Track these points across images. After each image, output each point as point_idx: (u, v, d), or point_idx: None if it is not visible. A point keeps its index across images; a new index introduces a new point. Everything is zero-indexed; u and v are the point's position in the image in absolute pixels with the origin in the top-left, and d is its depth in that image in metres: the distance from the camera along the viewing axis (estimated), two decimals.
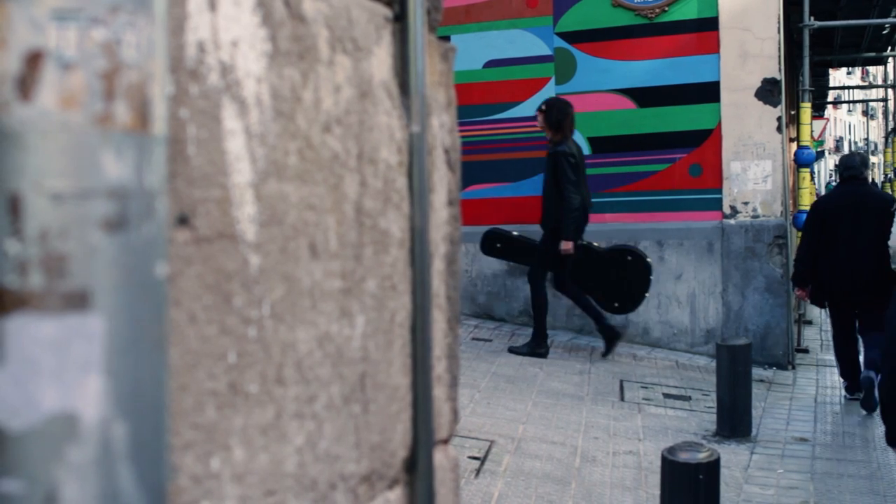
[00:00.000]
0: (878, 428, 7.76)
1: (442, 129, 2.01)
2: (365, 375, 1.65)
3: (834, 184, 14.60)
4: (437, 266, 1.96)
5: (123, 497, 0.82)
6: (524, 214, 10.58)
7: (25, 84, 0.78)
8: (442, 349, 1.98)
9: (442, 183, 2.01)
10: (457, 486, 2.07)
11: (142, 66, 0.84)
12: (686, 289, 10.14)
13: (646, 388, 8.60)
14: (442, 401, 1.98)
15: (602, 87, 10.37)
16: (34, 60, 0.78)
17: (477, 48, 10.57)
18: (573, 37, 10.42)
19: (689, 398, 8.41)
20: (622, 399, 8.17)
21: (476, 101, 10.55)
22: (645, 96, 10.25)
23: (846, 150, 56.63)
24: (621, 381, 8.72)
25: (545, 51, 10.54)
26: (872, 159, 16.28)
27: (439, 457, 1.94)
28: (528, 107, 10.57)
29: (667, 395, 8.41)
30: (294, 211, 1.43)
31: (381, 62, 1.72)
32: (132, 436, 0.83)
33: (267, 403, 1.37)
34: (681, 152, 10.14)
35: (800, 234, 10.43)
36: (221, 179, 1.26)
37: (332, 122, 1.55)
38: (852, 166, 8.88)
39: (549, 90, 10.53)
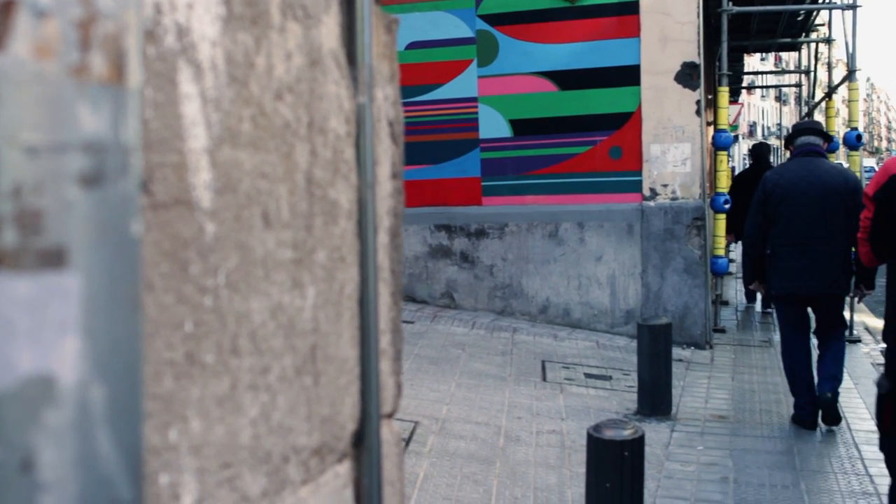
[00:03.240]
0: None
1: (386, 101, 1.99)
2: (316, 347, 1.63)
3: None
4: (382, 239, 1.94)
5: (101, 461, 0.80)
6: (446, 196, 10.59)
7: None
8: (386, 323, 1.97)
9: (386, 155, 1.99)
10: (401, 460, 2.06)
11: (118, 16, 0.81)
12: (606, 270, 10.22)
13: (567, 368, 8.67)
14: (387, 375, 1.97)
15: (524, 70, 10.39)
16: (7, 8, 0.75)
17: (399, 30, 10.52)
18: (495, 19, 10.42)
19: (609, 378, 8.49)
20: (544, 379, 8.22)
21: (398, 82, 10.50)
22: (566, 79, 10.29)
23: (759, 135, 57.64)
24: (543, 362, 8.77)
25: (467, 33, 10.53)
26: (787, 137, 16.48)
27: (384, 431, 1.92)
28: (450, 89, 10.58)
29: (588, 375, 8.48)
30: (248, 179, 1.41)
31: (329, 31, 1.70)
32: (109, 398, 0.81)
33: (223, 374, 1.34)
34: (601, 135, 10.20)
35: (717, 216, 10.57)
36: (178, 144, 1.23)
37: (284, 89, 1.52)
38: (809, 132, 7.68)
39: (472, 72, 10.53)
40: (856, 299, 8.19)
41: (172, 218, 1.21)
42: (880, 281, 5.73)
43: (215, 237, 1.32)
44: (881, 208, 4.77)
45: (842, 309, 7.46)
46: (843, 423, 7.31)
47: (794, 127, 8.23)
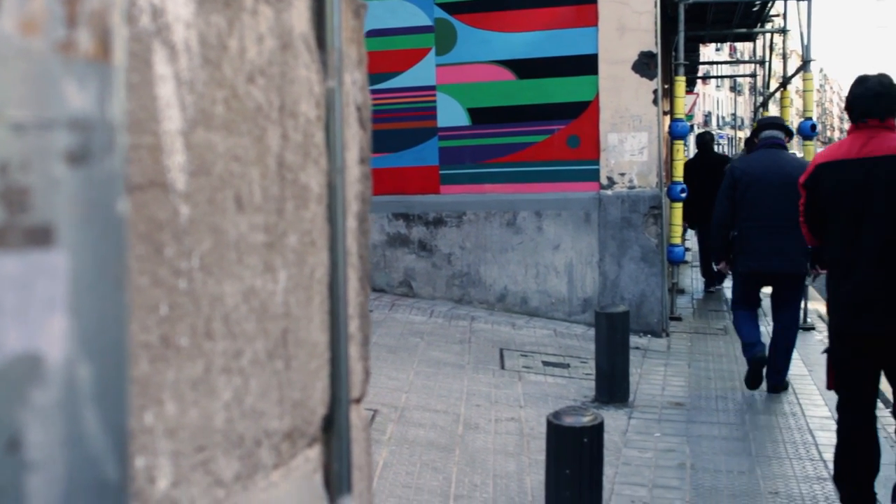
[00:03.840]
0: (749, 392, 7.99)
1: (354, 85, 1.99)
2: (287, 331, 1.63)
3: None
4: (350, 224, 1.94)
5: (88, 440, 0.79)
6: (404, 185, 10.59)
7: None
8: (354, 308, 1.97)
9: (354, 140, 1.98)
10: (369, 445, 2.06)
11: None
12: (564, 259, 10.27)
13: (525, 356, 8.70)
14: (355, 360, 1.97)
15: (482, 59, 10.41)
16: None
17: None
18: (453, 7, 10.42)
19: (567, 365, 8.53)
20: (502, 367, 8.25)
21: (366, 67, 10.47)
22: (524, 68, 10.31)
23: (714, 125, 58.07)
24: (501, 350, 8.80)
25: (426, 21, 10.52)
26: (739, 134, 16.69)
27: (353, 416, 1.92)
28: (409, 77, 10.57)
29: (546, 363, 8.52)
30: (221, 161, 1.40)
31: (300, 14, 1.69)
32: (96, 377, 0.80)
33: (197, 357, 1.34)
34: (559, 124, 10.24)
35: (674, 204, 10.66)
36: (153, 126, 1.22)
37: (256, 72, 1.52)
38: (773, 127, 8.48)
39: (430, 61, 10.53)
40: (810, 278, 8.96)
41: (148, 200, 1.21)
42: None
43: (190, 220, 1.31)
44: (810, 195, 5.31)
45: (800, 287, 8.20)
46: (798, 410, 7.41)
47: (760, 122, 9.15)
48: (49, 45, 0.77)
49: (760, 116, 17.56)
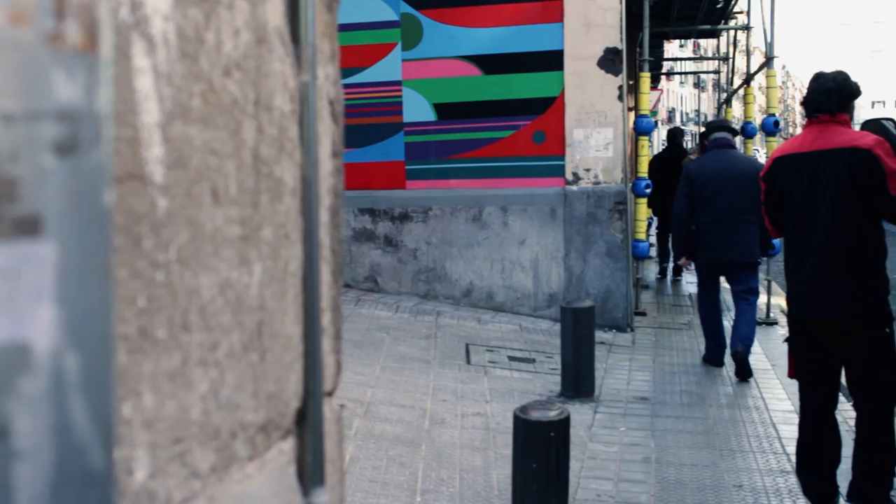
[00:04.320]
0: (714, 386, 8.07)
1: (327, 80, 1.99)
2: (262, 324, 1.63)
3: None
4: (323, 218, 1.94)
5: (75, 429, 0.80)
6: (369, 180, 10.58)
7: None
8: (327, 301, 1.97)
9: (327, 134, 1.99)
10: (341, 438, 2.07)
11: None
12: (529, 254, 10.30)
13: (491, 351, 8.73)
14: (328, 353, 1.98)
15: (448, 54, 10.41)
16: None
17: None
18: (420, 2, 10.42)
19: (533, 360, 8.56)
20: (468, 362, 8.27)
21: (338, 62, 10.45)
22: (490, 63, 10.33)
23: (678, 121, 58.38)
24: (467, 345, 8.82)
25: (392, 16, 10.52)
26: (703, 130, 16.93)
27: (326, 409, 1.93)
28: (374, 72, 10.56)
29: (512, 358, 8.55)
30: (198, 154, 1.41)
31: (275, 8, 1.70)
32: (83, 367, 0.81)
33: (174, 349, 1.34)
34: (525, 119, 10.27)
35: (638, 200, 10.73)
36: (131, 118, 1.22)
37: (232, 66, 1.52)
38: (722, 129, 9.28)
39: (396, 56, 10.53)
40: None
41: (126, 192, 1.21)
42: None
43: (167, 212, 1.32)
44: (768, 188, 5.47)
45: (755, 275, 8.85)
46: (761, 404, 7.48)
47: (708, 125, 10.21)
48: (38, 37, 0.77)
49: (722, 114, 17.77)
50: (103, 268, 0.84)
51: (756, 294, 8.86)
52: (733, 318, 8.91)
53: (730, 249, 8.54)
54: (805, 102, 5.38)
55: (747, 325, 8.57)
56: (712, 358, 8.83)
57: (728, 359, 8.78)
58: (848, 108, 5.27)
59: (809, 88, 5.37)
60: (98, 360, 0.83)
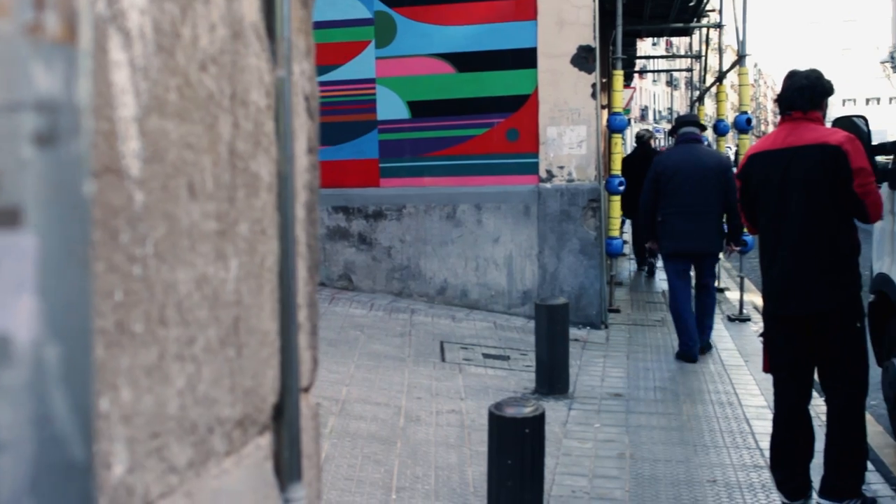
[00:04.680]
0: (687, 382, 8.11)
1: (303, 75, 1.99)
2: (239, 319, 1.63)
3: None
4: (299, 214, 1.94)
5: (56, 421, 0.80)
6: (343, 178, 10.57)
7: None
8: (303, 297, 1.97)
9: (302, 130, 1.99)
10: (318, 434, 2.07)
11: None
12: (503, 251, 10.31)
13: (466, 348, 8.73)
14: (304, 349, 1.98)
15: (422, 52, 10.41)
16: None
17: None
18: (393, 0, 10.41)
19: (507, 358, 8.58)
20: (443, 360, 8.27)
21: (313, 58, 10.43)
22: (464, 61, 10.33)
23: (651, 119, 58.56)
24: (442, 343, 8.82)
25: (365, 14, 10.50)
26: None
27: (302, 405, 1.93)
28: (348, 70, 10.54)
29: (486, 356, 8.56)
30: (174, 149, 1.40)
31: (250, 3, 1.70)
32: (64, 358, 0.81)
33: (151, 344, 1.34)
34: (498, 117, 10.27)
35: (612, 197, 10.77)
36: (108, 112, 1.22)
37: (208, 60, 1.52)
38: (689, 124, 9.72)
39: (369, 54, 10.52)
40: (726, 255, 11.03)
41: (103, 186, 1.21)
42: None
43: (144, 206, 1.32)
44: (744, 185, 5.58)
45: (716, 264, 9.58)
46: (735, 400, 7.53)
47: (677, 120, 10.68)
48: (17, 28, 0.77)
49: (695, 111, 17.88)
50: (83, 259, 0.84)
51: (714, 289, 9.57)
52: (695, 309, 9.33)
53: (692, 240, 8.98)
54: (779, 100, 5.47)
55: (710, 318, 9.35)
56: (686, 354, 8.98)
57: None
58: (821, 106, 5.33)
59: (783, 86, 5.46)
60: (78, 352, 0.83)
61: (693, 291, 9.41)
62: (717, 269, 11.09)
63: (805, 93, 5.30)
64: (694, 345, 9.02)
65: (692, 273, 9.44)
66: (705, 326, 9.30)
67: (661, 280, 13.88)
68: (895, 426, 6.82)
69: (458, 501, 5.27)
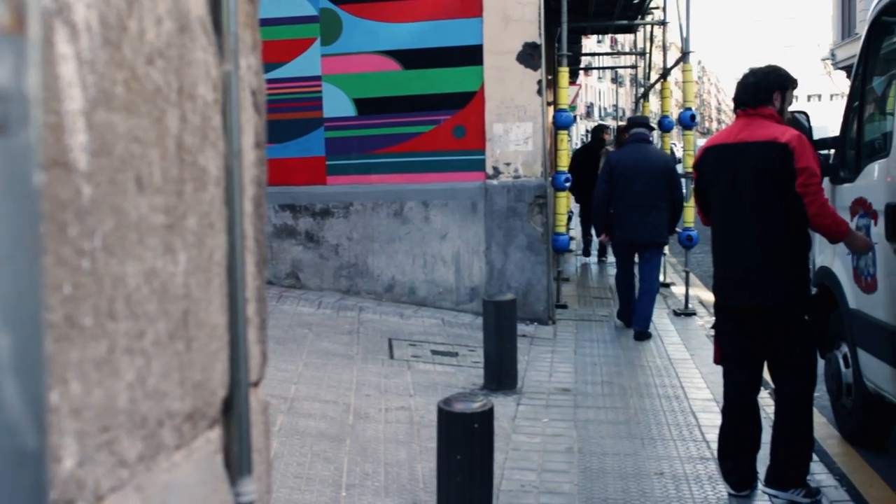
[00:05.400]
0: (634, 377, 8.17)
1: (249, 70, 1.99)
2: (188, 313, 1.63)
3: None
4: (247, 208, 1.94)
5: (8, 410, 0.80)
6: (290, 176, 10.52)
7: None
8: (252, 291, 1.98)
9: (250, 125, 1.99)
10: (268, 429, 2.07)
11: None
12: (451, 248, 10.32)
13: (414, 345, 8.74)
14: (253, 343, 1.98)
15: (368, 49, 10.38)
16: None
17: None
18: None
19: (456, 354, 8.59)
20: (392, 357, 8.27)
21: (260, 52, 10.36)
22: (410, 58, 10.33)
23: (596, 116, 58.87)
24: (390, 340, 8.82)
25: (310, 11, 10.46)
26: (621, 124, 17.33)
27: (252, 399, 1.93)
28: (294, 68, 10.50)
29: (435, 352, 8.57)
30: (122, 142, 1.40)
31: None
32: (15, 348, 0.81)
33: (100, 337, 1.34)
34: (445, 114, 10.28)
35: (558, 193, 10.84)
36: (55, 105, 1.22)
37: (155, 54, 1.52)
38: (640, 125, 10.70)
39: (315, 51, 10.48)
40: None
41: (51, 179, 1.21)
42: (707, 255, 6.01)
43: (92, 200, 1.31)
44: (699, 176, 5.68)
45: (660, 253, 10.56)
46: (681, 393, 7.60)
47: (629, 121, 11.73)
48: None
49: (640, 108, 18.07)
50: (34, 249, 0.84)
51: (657, 277, 10.42)
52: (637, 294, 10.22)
53: (641, 231, 9.89)
54: (733, 97, 5.59)
55: (648, 308, 10.03)
56: (623, 316, 10.40)
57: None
58: (771, 101, 5.40)
59: (737, 83, 5.57)
60: (29, 341, 0.83)
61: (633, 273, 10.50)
62: (662, 263, 11.93)
63: (748, 89, 5.41)
64: (630, 311, 10.21)
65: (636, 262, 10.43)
66: (642, 315, 9.97)
67: (609, 275, 14.00)
68: (838, 417, 6.92)
69: (408, 497, 5.28)
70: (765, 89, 5.40)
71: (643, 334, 9.82)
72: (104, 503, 1.36)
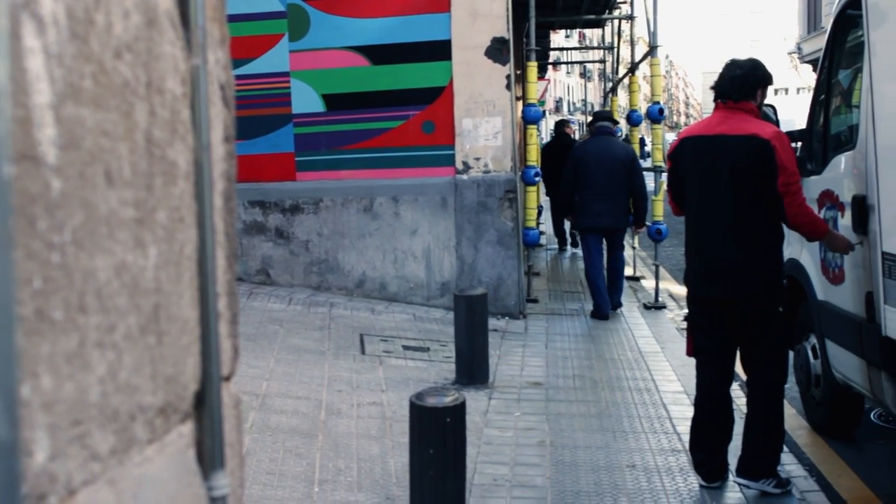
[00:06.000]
0: (605, 370, 8.21)
1: (218, 64, 1.99)
2: (159, 307, 1.63)
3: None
4: (216, 202, 1.94)
5: None
6: (259, 172, 10.50)
7: None
8: (222, 285, 1.97)
9: (218, 119, 1.99)
10: (240, 423, 2.07)
11: None
12: (421, 243, 10.33)
13: (385, 341, 8.74)
14: (224, 337, 1.98)
15: (336, 45, 10.38)
16: None
17: None
18: None
19: (427, 349, 8.61)
20: (363, 353, 8.27)
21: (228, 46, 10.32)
22: (378, 54, 10.33)
23: (565, 111, 59.02)
24: (361, 336, 8.83)
25: (278, 7, 10.45)
26: (589, 118, 17.53)
27: (224, 394, 1.93)
28: (262, 64, 10.48)
29: (406, 347, 8.58)
30: (90, 136, 1.40)
31: None
32: None
33: (71, 331, 1.33)
34: (414, 109, 10.29)
35: (528, 188, 10.88)
36: (23, 99, 1.21)
37: (123, 47, 1.51)
38: (604, 119, 11.53)
39: (283, 47, 10.46)
40: (631, 236, 13.61)
41: (20, 173, 1.20)
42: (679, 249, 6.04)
43: (61, 193, 1.31)
44: (673, 166, 5.71)
45: (622, 237, 11.35)
46: (652, 386, 7.64)
47: (594, 115, 12.68)
48: None
49: (608, 103, 18.18)
50: (3, 242, 0.84)
51: (622, 248, 11.37)
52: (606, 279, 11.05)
53: (604, 217, 10.68)
54: (714, 87, 5.57)
55: (619, 292, 11.17)
56: (598, 313, 10.72)
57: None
58: (754, 96, 5.42)
59: (720, 74, 5.57)
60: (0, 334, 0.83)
61: (605, 262, 11.20)
62: (633, 255, 13.64)
63: (735, 82, 5.41)
64: (606, 305, 10.73)
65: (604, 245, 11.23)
66: (616, 288, 11.11)
67: (579, 270, 14.05)
68: (807, 408, 6.98)
69: (381, 492, 5.29)
70: (751, 84, 5.42)
71: (616, 306, 10.99)
72: (76, 497, 1.36)
